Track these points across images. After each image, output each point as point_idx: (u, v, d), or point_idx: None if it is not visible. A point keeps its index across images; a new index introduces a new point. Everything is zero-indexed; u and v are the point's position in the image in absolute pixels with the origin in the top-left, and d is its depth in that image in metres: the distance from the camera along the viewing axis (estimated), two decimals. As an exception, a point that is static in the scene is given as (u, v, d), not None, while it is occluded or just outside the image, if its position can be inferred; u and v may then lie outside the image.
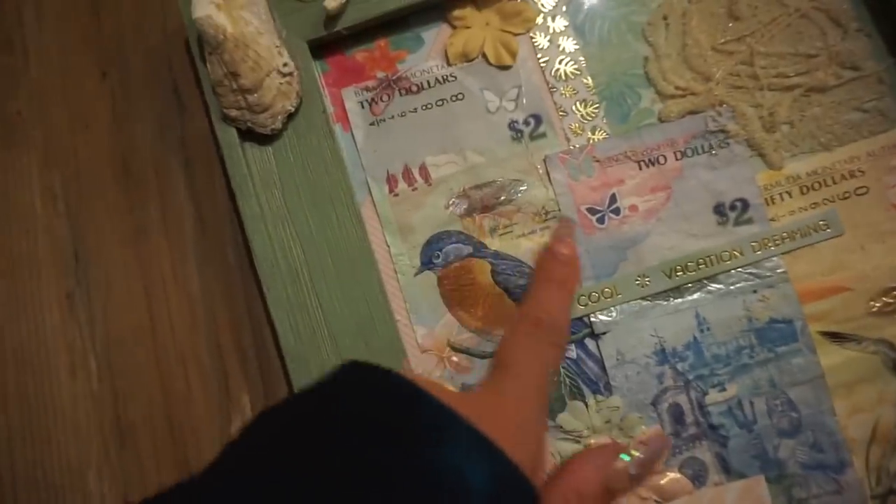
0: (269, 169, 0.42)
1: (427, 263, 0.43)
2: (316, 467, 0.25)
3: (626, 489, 0.32)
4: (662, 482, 0.41)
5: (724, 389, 0.41)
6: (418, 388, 0.28)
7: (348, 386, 0.29)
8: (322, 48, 0.44)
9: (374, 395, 0.28)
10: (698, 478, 0.41)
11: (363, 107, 0.44)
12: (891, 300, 0.41)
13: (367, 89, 0.44)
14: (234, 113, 0.40)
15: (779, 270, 0.41)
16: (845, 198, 0.42)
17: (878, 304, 0.41)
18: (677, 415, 0.41)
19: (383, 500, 0.24)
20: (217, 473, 0.27)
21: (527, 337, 0.35)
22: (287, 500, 0.24)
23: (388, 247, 0.43)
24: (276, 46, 0.40)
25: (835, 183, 0.42)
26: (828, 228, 0.41)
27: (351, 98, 0.44)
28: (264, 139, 0.42)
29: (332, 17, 0.42)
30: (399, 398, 0.28)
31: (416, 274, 0.43)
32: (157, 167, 0.47)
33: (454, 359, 0.42)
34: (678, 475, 0.41)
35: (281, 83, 0.40)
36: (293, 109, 0.41)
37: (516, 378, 0.33)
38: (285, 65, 0.40)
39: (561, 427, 0.41)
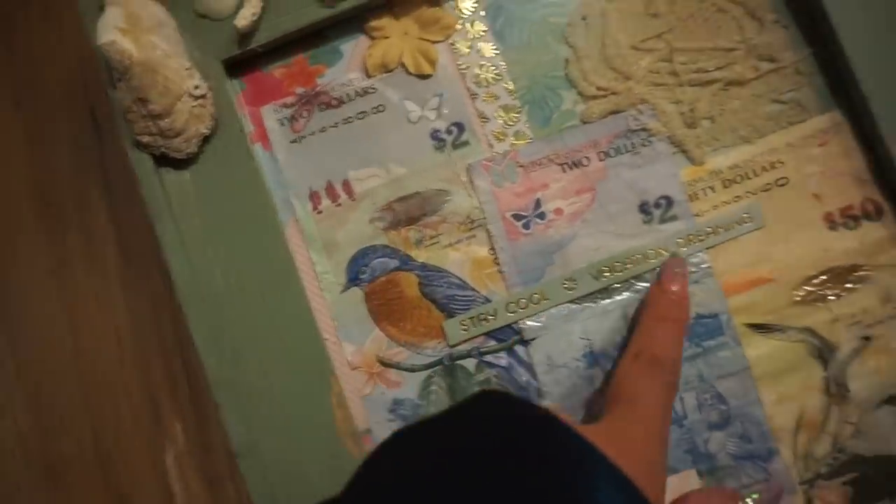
0: (187, 193, 0.41)
1: (353, 279, 0.42)
2: (464, 487, 0.25)
3: None
4: (599, 483, 0.41)
5: (655, 387, 0.41)
6: (560, 420, 0.29)
7: (487, 413, 0.29)
8: (238, 66, 0.43)
9: (515, 423, 0.28)
10: (634, 476, 0.41)
11: (283, 124, 0.43)
12: (812, 289, 0.41)
13: (287, 106, 0.43)
14: (146, 139, 0.39)
15: (704, 266, 0.42)
16: (767, 190, 0.42)
17: (800, 294, 0.41)
18: (611, 415, 0.41)
19: None
20: (362, 493, 0.27)
21: (646, 374, 0.36)
22: None
23: (314, 264, 0.42)
24: (187, 69, 0.39)
25: (756, 175, 0.42)
26: (750, 221, 0.42)
27: (270, 116, 0.43)
28: (180, 164, 0.41)
29: (244, 35, 0.41)
30: (542, 429, 0.28)
31: (343, 291, 0.42)
32: (76, 194, 0.46)
33: (385, 374, 0.42)
34: (614, 475, 0.41)
35: (193, 106, 0.39)
36: (208, 132, 0.40)
37: (642, 417, 0.34)
38: (197, 87, 0.39)
39: (496, 435, 0.41)
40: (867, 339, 0.41)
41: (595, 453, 0.27)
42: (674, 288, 0.39)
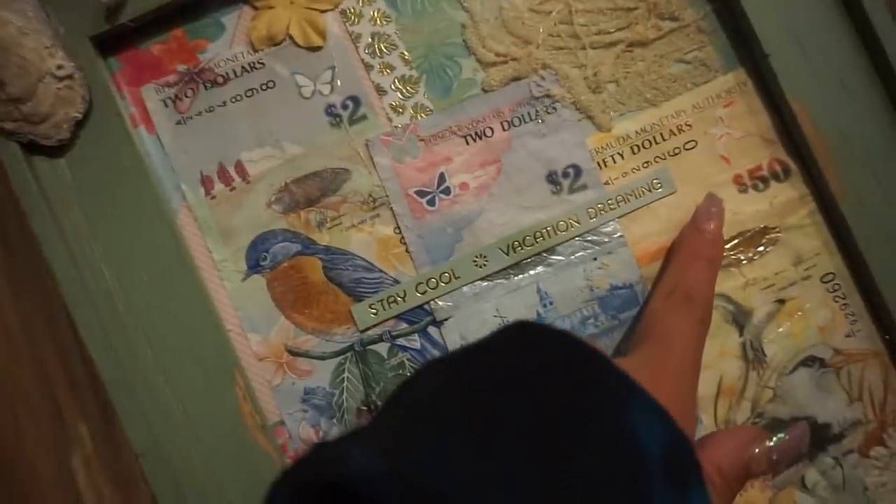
0: (64, 184, 0.38)
1: (254, 267, 0.40)
2: (505, 412, 0.25)
3: (764, 473, 0.33)
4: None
5: (571, 362, 0.40)
6: (597, 350, 0.28)
7: (524, 340, 0.28)
8: (111, 44, 0.40)
9: (553, 350, 0.28)
10: (553, 453, 0.40)
11: (167, 105, 0.40)
12: (725, 254, 0.40)
13: (169, 85, 0.40)
14: (9, 126, 0.36)
15: (616, 235, 0.41)
16: (675, 154, 0.41)
17: (713, 259, 0.40)
18: (527, 393, 0.40)
19: (568, 454, 0.24)
20: (401, 421, 0.26)
21: (679, 310, 0.35)
22: (481, 439, 0.24)
23: (211, 253, 0.40)
24: (47, 47, 0.36)
25: (664, 139, 0.41)
26: (661, 187, 0.41)
27: (151, 96, 0.40)
28: (53, 151, 0.38)
29: (113, 9, 0.38)
30: (580, 358, 0.28)
31: (244, 279, 0.40)
32: (-53, 189, 0.42)
33: (294, 364, 0.40)
34: (533, 453, 0.40)
35: (59, 88, 0.36)
36: (80, 116, 0.38)
37: (673, 352, 0.33)
38: (60, 67, 0.36)
39: (411, 420, 0.40)
40: (781, 301, 0.40)
41: (630, 382, 0.27)
42: (710, 227, 0.38)
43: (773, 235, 0.40)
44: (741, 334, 0.40)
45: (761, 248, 0.40)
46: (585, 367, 0.28)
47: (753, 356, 0.40)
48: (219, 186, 0.40)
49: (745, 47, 0.40)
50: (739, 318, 0.40)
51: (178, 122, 0.40)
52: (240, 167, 0.40)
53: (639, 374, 0.28)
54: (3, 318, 0.42)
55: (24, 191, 0.38)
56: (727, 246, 0.40)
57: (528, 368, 0.27)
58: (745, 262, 0.40)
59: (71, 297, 0.38)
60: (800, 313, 0.40)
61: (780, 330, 0.40)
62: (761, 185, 0.41)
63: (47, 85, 0.36)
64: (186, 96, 0.40)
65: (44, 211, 0.38)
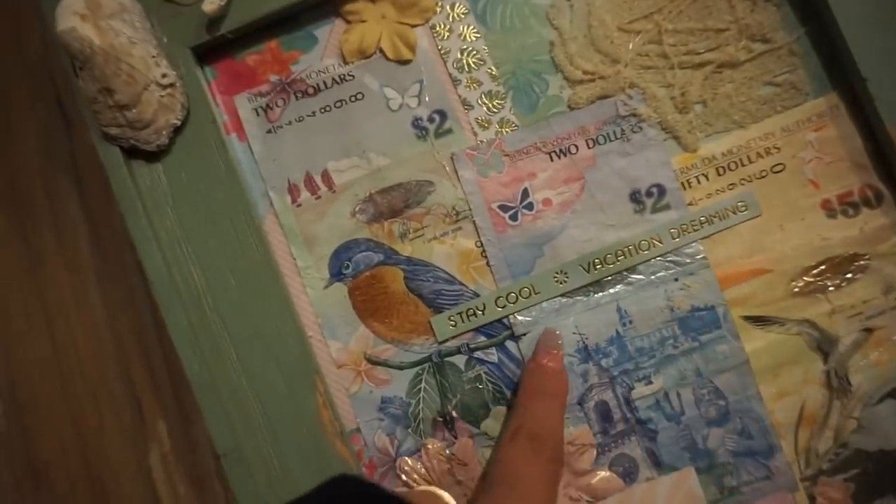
0: (159, 187, 0.40)
1: (336, 275, 0.41)
2: None
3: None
4: (593, 481, 0.40)
5: (650, 383, 0.40)
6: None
7: (340, 498, 0.29)
8: (209, 54, 0.41)
9: None
10: (629, 475, 0.40)
11: (258, 114, 0.41)
12: (811, 279, 0.40)
13: (261, 94, 0.41)
14: (114, 131, 0.38)
15: (699, 256, 0.40)
16: (762, 177, 0.40)
17: (799, 285, 0.40)
18: (604, 412, 0.40)
19: None
20: None
21: (526, 452, 0.35)
22: None
23: (295, 260, 0.41)
24: (153, 56, 0.37)
25: (751, 162, 0.41)
26: (745, 210, 0.40)
27: (244, 105, 0.41)
28: (151, 156, 0.39)
29: (214, 21, 0.39)
30: None
31: (326, 286, 0.41)
32: (46, 188, 0.44)
33: (372, 372, 0.40)
34: (608, 473, 0.40)
35: (162, 95, 0.38)
36: (179, 122, 0.39)
37: (519, 497, 0.33)
38: (164, 76, 0.38)
39: (486, 434, 0.40)
40: (868, 330, 0.40)
41: None
42: (548, 363, 0.38)
43: (862, 262, 0.40)
44: (825, 362, 0.40)
45: (849, 275, 0.40)
46: None
47: (838, 384, 0.39)
48: (305, 194, 0.41)
49: (838, 71, 0.39)
50: (824, 345, 0.40)
51: (269, 131, 0.41)
52: (326, 176, 0.41)
53: None
54: (92, 315, 0.44)
55: (122, 193, 0.39)
56: (813, 271, 0.40)
57: None
58: (831, 288, 0.40)
59: (162, 297, 0.39)
60: (888, 343, 0.39)
61: (867, 359, 0.39)
62: (851, 211, 0.40)
63: (151, 93, 0.37)
64: (277, 106, 0.41)
65: (140, 213, 0.39)
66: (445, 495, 0.37)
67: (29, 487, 0.43)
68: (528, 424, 0.36)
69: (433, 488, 0.38)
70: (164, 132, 0.38)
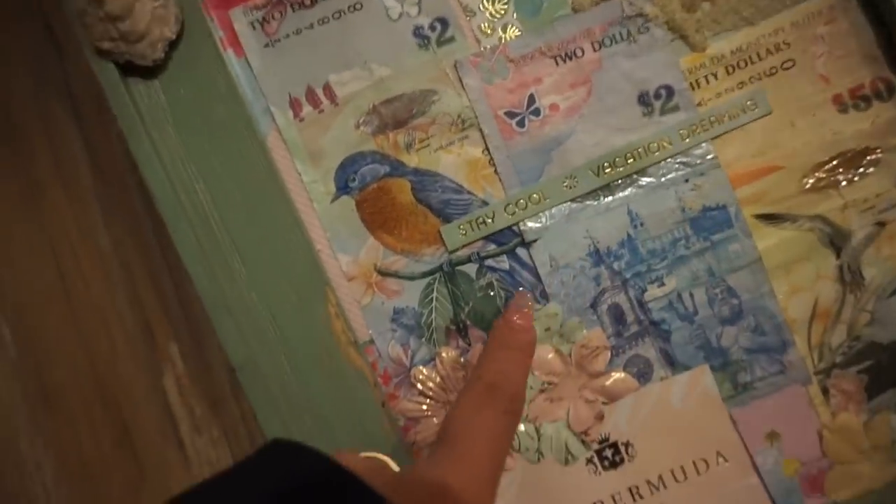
0: (158, 105, 0.39)
1: (343, 188, 0.40)
2: None
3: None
4: (608, 383, 0.40)
5: (662, 284, 0.40)
6: (348, 473, 0.26)
7: (272, 469, 0.27)
8: (201, -35, 0.40)
9: (300, 480, 0.26)
10: (644, 375, 0.40)
11: (254, 28, 0.40)
12: (823, 175, 0.39)
13: (257, 7, 0.40)
14: (106, 45, 0.37)
15: (709, 157, 0.40)
16: (772, 74, 0.40)
17: (811, 181, 0.39)
18: (618, 315, 0.40)
19: None
20: None
21: (478, 403, 0.34)
22: None
23: (300, 175, 0.40)
24: (145, -34, 0.36)
25: (760, 59, 0.40)
26: (756, 108, 0.40)
27: (240, 19, 0.40)
28: (148, 72, 0.39)
29: (205, -72, 0.38)
30: (327, 484, 0.26)
31: (333, 200, 0.40)
32: (42, 116, 0.43)
33: (383, 284, 0.40)
34: (623, 374, 0.40)
35: (155, 6, 0.37)
36: (174, 36, 0.38)
37: (464, 457, 0.31)
38: (157, -15, 0.37)
39: (500, 341, 0.40)
40: (881, 224, 0.39)
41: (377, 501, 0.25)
42: (517, 319, 0.38)
43: (874, 156, 0.39)
44: (838, 257, 0.39)
45: (861, 170, 0.39)
46: (331, 495, 0.26)
47: (851, 279, 0.39)
48: (307, 109, 0.40)
49: (849, -43, 0.39)
50: (837, 240, 0.39)
51: (266, 45, 0.40)
52: (328, 89, 0.40)
53: (416, 491, 0.27)
54: (97, 242, 0.43)
55: (121, 112, 0.38)
56: (825, 167, 0.39)
57: (279, 492, 0.26)
58: (843, 183, 0.39)
59: (168, 216, 0.38)
60: (900, 235, 0.39)
61: (880, 253, 0.39)
62: (862, 105, 0.39)
63: (144, 4, 0.36)
64: (274, 19, 0.40)
65: (140, 132, 0.38)
66: (389, 461, 0.36)
67: (42, 413, 0.43)
68: (486, 375, 0.35)
69: (376, 454, 0.37)
70: (158, 45, 0.37)
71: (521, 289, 0.40)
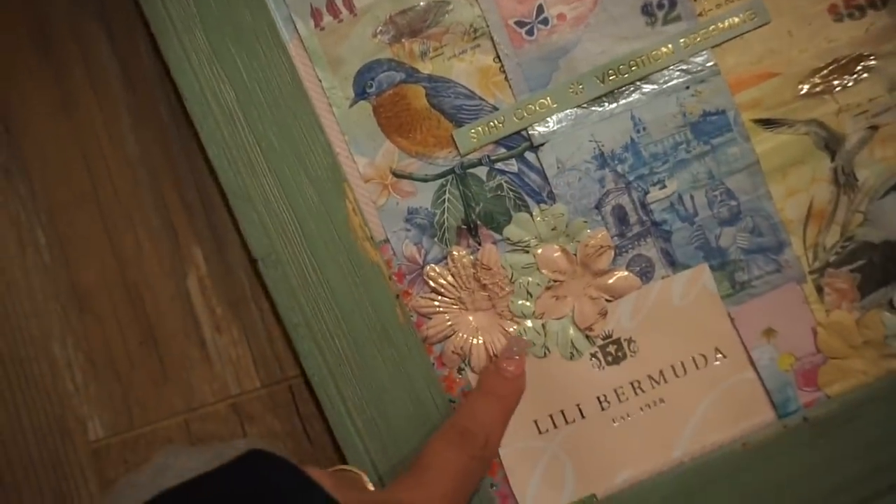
0: (188, 11, 0.41)
1: (361, 94, 0.42)
2: None
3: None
4: (611, 281, 0.42)
5: (664, 186, 0.42)
6: (317, 486, 0.29)
7: (247, 476, 0.30)
8: None
9: (270, 488, 0.29)
10: (645, 273, 0.42)
11: (279, -60, 0.43)
12: (819, 81, 0.41)
13: (281, -79, 0.42)
14: (142, -50, 0.39)
15: (709, 64, 0.42)
16: (770, -16, 0.42)
17: (806, 87, 0.41)
18: (621, 216, 0.42)
19: None
20: None
21: (448, 445, 0.36)
22: None
23: (320, 81, 0.42)
24: None
25: (760, -29, 0.42)
26: (755, 18, 0.42)
27: (265, -69, 0.42)
28: (179, -20, 0.41)
29: None
30: (293, 494, 0.29)
31: (351, 105, 0.42)
32: (74, 29, 0.45)
33: (398, 185, 0.42)
34: (626, 273, 0.42)
35: (187, -87, 0.39)
36: (204, -57, 0.40)
37: (429, 486, 0.34)
38: None
39: (508, 239, 0.42)
40: (874, 127, 0.41)
41: None
42: (508, 367, 0.40)
43: (867, 63, 0.41)
44: (832, 160, 0.41)
45: (855, 76, 0.41)
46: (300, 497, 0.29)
47: (845, 181, 0.41)
48: (327, 18, 0.42)
49: None
50: (831, 143, 0.41)
51: (290, -43, 0.42)
52: (347, 0, 0.42)
53: (395, 497, 0.30)
54: (126, 150, 0.45)
55: (154, 17, 0.40)
56: (821, 73, 0.41)
57: (248, 497, 0.29)
58: (838, 88, 0.41)
59: (196, 114, 0.41)
60: (893, 139, 0.41)
61: (873, 155, 0.41)
62: (857, 14, 0.41)
63: None
64: (298, -68, 0.42)
65: (171, 35, 0.41)
66: (363, 475, 0.38)
67: (74, 314, 0.45)
68: (461, 420, 0.37)
69: (349, 466, 0.40)
70: (190, -50, 0.40)
71: (512, 331, 0.41)
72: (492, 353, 0.42)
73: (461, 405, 0.39)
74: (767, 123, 0.41)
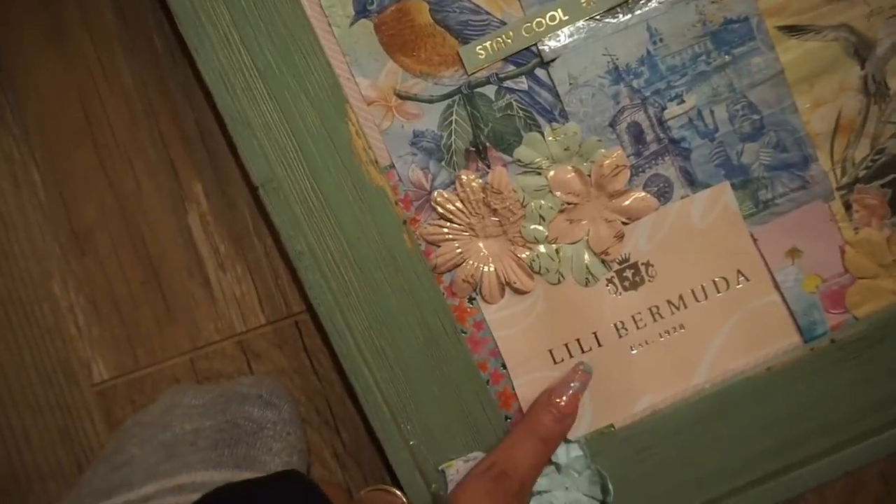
0: (177, -74, 0.39)
1: (361, 11, 0.40)
2: None
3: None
4: (628, 202, 0.40)
5: (682, 101, 0.40)
6: None
7: (280, 492, 0.31)
8: None
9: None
10: (664, 194, 0.40)
11: None
12: (848, -18, 0.39)
13: None
14: None
15: (730, -31, 0.39)
16: None
17: (835, -11, 0.39)
18: (637, 133, 0.40)
19: None
20: None
21: (484, 491, 0.35)
22: None
23: (319, -1, 0.40)
24: None
25: None
26: (779, -83, 0.39)
27: None
28: None
29: None
30: None
31: (352, 24, 0.40)
32: (63, -45, 0.44)
33: (403, 107, 0.40)
34: (643, 194, 0.40)
35: None
36: None
37: None
38: None
39: (519, 161, 0.40)
40: (907, 31, 0.39)
41: None
42: (560, 400, 0.38)
43: (900, -39, 0.38)
44: (862, 67, 0.39)
45: (887, -25, 0.39)
46: None
47: (875, 89, 0.39)
48: (324, -67, 0.40)
49: None
50: (861, 49, 0.39)
51: None
52: (344, -87, 0.40)
53: None
54: (121, 82, 0.44)
55: (140, -70, 0.38)
56: (851, -26, 0.39)
57: None
58: (869, -11, 0.39)
59: (190, 36, 0.39)
60: (927, 42, 0.39)
61: (905, 61, 0.39)
62: None
63: None
64: None
65: (159, -48, 0.38)
66: (401, 497, 0.38)
67: (74, 253, 0.44)
68: (500, 462, 0.36)
69: (391, 488, 0.39)
70: None
71: (582, 364, 0.40)
72: (503, 281, 0.40)
73: (502, 444, 0.38)
74: (793, 30, 0.39)
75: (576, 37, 0.40)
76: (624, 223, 0.40)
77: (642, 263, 0.40)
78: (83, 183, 0.44)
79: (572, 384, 0.38)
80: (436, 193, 0.40)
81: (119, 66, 0.44)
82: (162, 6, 0.41)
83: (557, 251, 0.40)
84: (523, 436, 0.37)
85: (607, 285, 0.41)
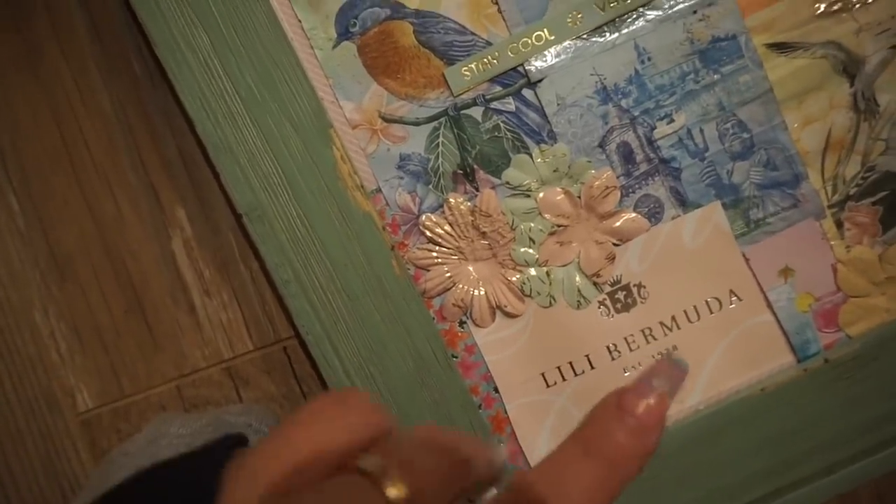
0: (153, -52, 0.38)
1: (344, 34, 0.39)
2: None
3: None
4: (618, 224, 0.39)
5: (671, 120, 0.39)
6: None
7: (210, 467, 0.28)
8: None
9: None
10: (654, 215, 0.40)
11: None
12: (836, -1, 0.38)
13: None
14: None
15: (718, -14, 0.39)
16: None
17: (823, 5, 0.38)
18: (626, 153, 0.39)
19: None
20: None
21: None
22: None
23: (300, 21, 0.39)
24: None
25: None
26: (766, -67, 0.38)
27: None
28: (141, -87, 0.38)
29: None
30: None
31: (335, 46, 0.39)
32: (36, -23, 0.42)
33: (388, 130, 0.40)
34: (634, 214, 0.40)
35: None
36: None
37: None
38: None
39: (508, 183, 0.39)
40: (896, 47, 0.38)
41: None
42: (636, 407, 0.23)
43: (889, -23, 0.38)
44: (852, 84, 0.39)
45: (876, -9, 0.38)
46: None
47: (865, 106, 0.39)
48: (305, -47, 0.39)
49: None
50: (850, 66, 0.38)
51: None
52: (325, -68, 0.39)
53: None
54: (98, 105, 0.43)
55: (115, -47, 0.37)
56: (838, -10, 0.38)
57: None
58: (857, 6, 0.38)
59: (169, 62, 0.38)
60: (916, 59, 0.38)
61: (895, 78, 0.38)
62: (877, -77, 0.38)
63: None
64: None
65: (135, -24, 0.37)
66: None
67: (54, 280, 0.43)
68: (539, 486, 0.22)
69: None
70: None
71: (671, 351, 0.35)
72: (494, 304, 0.39)
73: (544, 461, 0.23)
74: (781, 47, 0.39)
75: (563, 56, 0.39)
76: (615, 244, 0.40)
77: (634, 285, 0.40)
78: (62, 208, 0.43)
79: (655, 381, 0.23)
80: (424, 217, 0.40)
81: (96, 88, 0.43)
82: (139, 31, 0.40)
83: (548, 274, 0.40)
84: (576, 456, 0.23)
85: (599, 307, 0.40)
